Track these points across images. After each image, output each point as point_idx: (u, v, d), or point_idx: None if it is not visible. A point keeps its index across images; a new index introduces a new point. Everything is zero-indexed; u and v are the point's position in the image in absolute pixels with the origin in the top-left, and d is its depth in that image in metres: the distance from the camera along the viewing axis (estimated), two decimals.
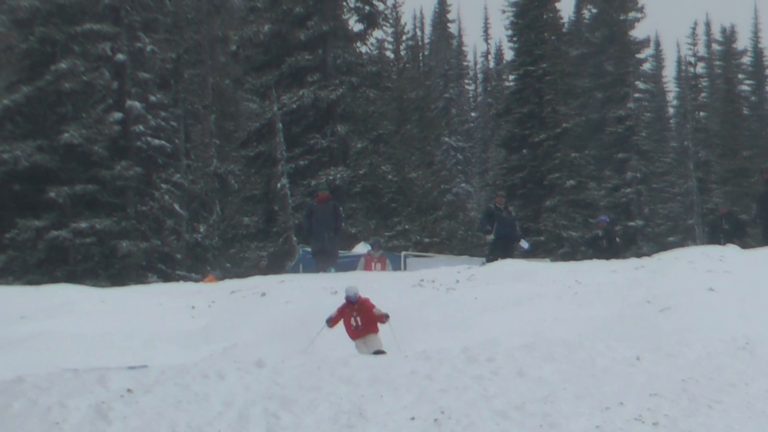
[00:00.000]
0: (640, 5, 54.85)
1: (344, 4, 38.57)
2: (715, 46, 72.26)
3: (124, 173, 30.40)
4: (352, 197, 36.99)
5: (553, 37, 44.48)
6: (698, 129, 53.66)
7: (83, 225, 29.14)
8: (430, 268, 19.25)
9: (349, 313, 12.64)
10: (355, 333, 12.65)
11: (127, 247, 29.57)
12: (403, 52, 63.37)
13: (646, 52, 61.84)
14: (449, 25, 78.15)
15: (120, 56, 31.98)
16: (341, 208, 22.42)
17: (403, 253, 25.72)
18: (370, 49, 41.35)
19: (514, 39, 46.99)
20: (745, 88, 70.50)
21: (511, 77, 52.12)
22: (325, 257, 20.86)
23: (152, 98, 33.03)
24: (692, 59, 60.92)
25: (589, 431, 8.57)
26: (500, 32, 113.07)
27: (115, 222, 29.87)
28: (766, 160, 44.72)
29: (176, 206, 32.54)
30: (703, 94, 59.08)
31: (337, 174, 35.40)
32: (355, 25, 39.12)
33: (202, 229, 34.85)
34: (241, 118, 41.92)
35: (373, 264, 21.17)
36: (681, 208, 51.91)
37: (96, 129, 30.16)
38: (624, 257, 20.53)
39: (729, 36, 72.10)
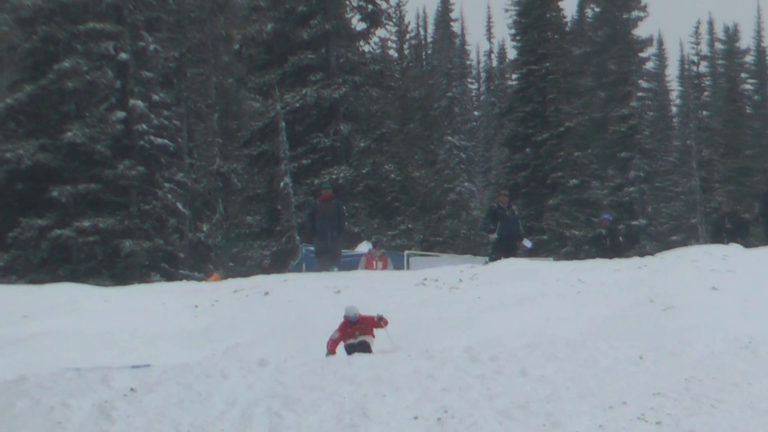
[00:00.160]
0: (642, 4, 54.85)
1: (347, 3, 38.56)
2: (718, 45, 72.30)
3: (127, 172, 30.40)
4: (355, 196, 36.98)
5: (556, 36, 44.50)
6: (701, 128, 53.65)
7: (86, 224, 29.13)
8: (433, 267, 19.23)
9: (351, 333, 12.48)
10: (354, 348, 12.42)
11: (130, 246, 29.56)
12: (406, 51, 63.38)
13: (649, 51, 61.96)
14: (452, 23, 78.24)
15: (123, 55, 31.98)
16: (344, 207, 22.42)
17: (406, 252, 25.69)
18: (372, 48, 41.42)
19: (517, 38, 47.09)
20: (748, 87, 70.53)
21: (514, 76, 52.15)
22: (328, 256, 20.85)
23: (155, 97, 33.02)
24: (695, 58, 61.09)
25: (592, 430, 8.57)
26: (503, 31, 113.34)
27: (118, 221, 29.86)
28: None
29: (179, 205, 32.53)
30: (705, 93, 59.03)
31: (340, 173, 35.37)
32: (358, 24, 39.16)
33: (205, 228, 34.85)
34: (244, 117, 41.93)
35: (374, 262, 21.14)
36: (684, 207, 51.93)
37: (99, 128, 30.17)
38: (627, 256, 20.50)
39: (732, 35, 72.11)
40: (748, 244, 19.74)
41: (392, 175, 38.45)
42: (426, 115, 51.54)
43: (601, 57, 54.90)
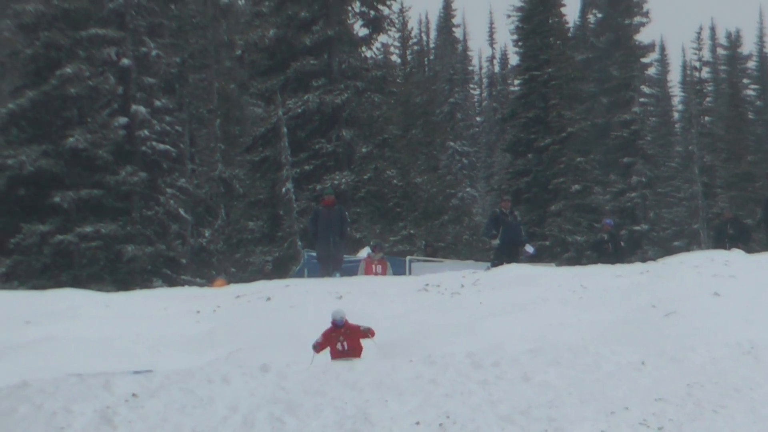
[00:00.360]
0: (645, 10, 54.96)
1: (349, 8, 38.59)
2: (720, 51, 72.28)
3: (129, 178, 30.41)
4: (357, 202, 36.97)
5: (558, 42, 44.52)
6: (703, 133, 53.69)
7: (88, 229, 29.13)
8: (435, 272, 19.23)
9: (335, 337, 12.39)
10: (339, 356, 12.33)
11: (132, 252, 29.57)
12: (408, 57, 63.49)
13: (652, 57, 61.90)
14: (454, 29, 78.36)
15: (125, 61, 32.03)
16: (347, 213, 22.43)
17: (408, 258, 25.69)
18: (375, 53, 41.45)
19: (520, 43, 47.05)
20: (750, 92, 70.53)
21: (516, 82, 52.14)
22: (330, 262, 20.87)
23: (157, 103, 33.06)
24: (697, 64, 61.12)
25: None
26: (505, 37, 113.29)
27: (120, 226, 29.86)
28: None
29: (181, 211, 32.55)
30: (708, 99, 59.12)
31: (342, 179, 35.38)
32: (360, 30, 39.19)
33: (207, 234, 34.86)
34: (247, 122, 41.94)
35: (373, 266, 21.11)
36: (686, 213, 51.94)
37: (101, 133, 30.17)
38: (629, 261, 20.53)
39: (734, 40, 72.12)
40: (750, 250, 19.73)
41: (394, 181, 38.42)
42: (428, 121, 51.62)
43: (603, 63, 54.90)
